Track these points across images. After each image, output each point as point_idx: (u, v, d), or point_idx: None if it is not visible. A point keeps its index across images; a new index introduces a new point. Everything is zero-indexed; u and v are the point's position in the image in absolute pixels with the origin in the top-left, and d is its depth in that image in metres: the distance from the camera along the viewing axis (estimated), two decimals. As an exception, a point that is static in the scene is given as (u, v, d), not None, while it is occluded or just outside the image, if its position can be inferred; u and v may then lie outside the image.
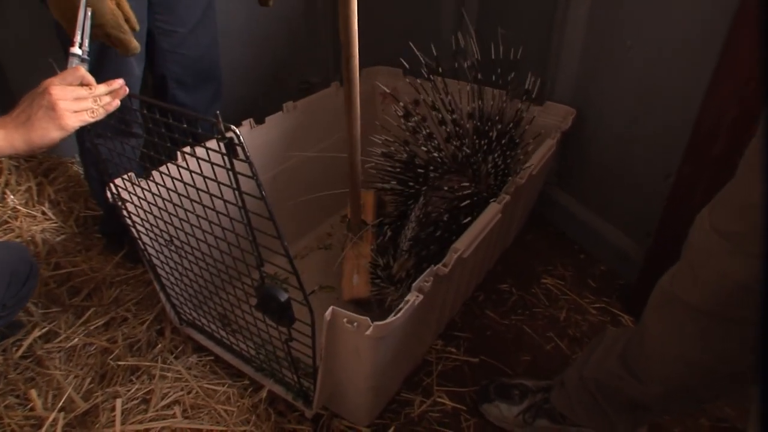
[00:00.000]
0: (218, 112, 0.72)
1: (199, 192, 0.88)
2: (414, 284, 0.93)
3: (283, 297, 0.87)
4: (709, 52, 1.15)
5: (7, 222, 1.63)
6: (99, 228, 1.67)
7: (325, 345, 0.91)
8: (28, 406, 1.14)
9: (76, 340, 1.29)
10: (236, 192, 0.79)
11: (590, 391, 1.02)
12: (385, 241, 1.41)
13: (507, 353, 1.34)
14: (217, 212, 0.90)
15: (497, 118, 1.46)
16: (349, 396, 1.08)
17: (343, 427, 1.14)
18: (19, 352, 1.24)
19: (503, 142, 1.44)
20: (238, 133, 0.73)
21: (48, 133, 0.79)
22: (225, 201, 0.86)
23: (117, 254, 1.58)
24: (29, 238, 1.59)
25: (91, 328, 1.32)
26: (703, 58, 1.17)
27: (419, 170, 1.42)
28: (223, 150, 0.75)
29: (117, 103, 0.86)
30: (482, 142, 1.41)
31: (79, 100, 0.82)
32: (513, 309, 1.47)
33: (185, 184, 0.90)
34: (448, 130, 1.45)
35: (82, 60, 0.89)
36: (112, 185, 1.10)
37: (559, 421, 1.11)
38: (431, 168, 1.41)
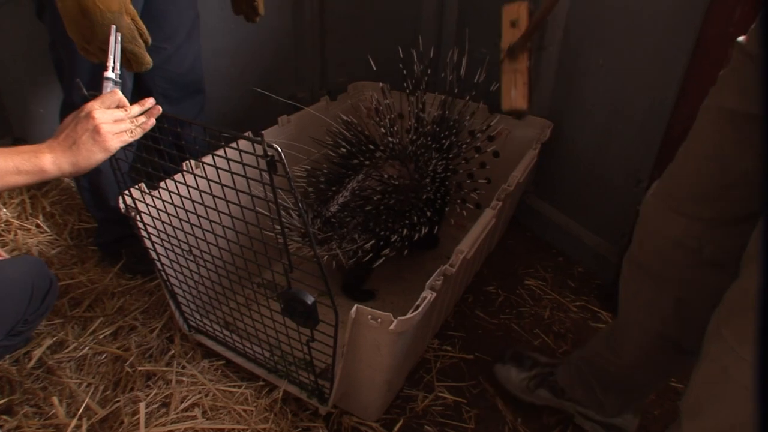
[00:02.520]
0: (263, 132, 0.79)
1: (229, 203, 0.95)
2: (427, 283, 1.02)
3: (310, 300, 0.94)
4: (676, 68, 1.29)
5: (0, 235, 1.64)
6: (94, 240, 1.69)
7: (348, 342, 0.99)
8: (45, 415, 1.17)
9: (86, 349, 1.32)
10: (273, 205, 0.86)
11: (584, 371, 1.15)
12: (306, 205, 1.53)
13: (498, 349, 1.44)
14: (246, 222, 0.96)
15: (454, 131, 1.60)
16: (361, 392, 1.15)
17: (353, 423, 1.21)
18: (32, 363, 1.26)
19: (450, 155, 1.59)
20: (279, 150, 0.80)
21: (93, 155, 0.84)
22: (256, 212, 0.93)
23: (114, 266, 1.61)
24: (25, 251, 1.60)
25: (100, 337, 1.35)
26: (670, 74, 1.31)
27: (370, 146, 1.55)
28: (264, 167, 0.82)
29: (152, 122, 0.91)
30: (434, 144, 1.55)
31: (118, 122, 0.87)
32: (501, 309, 1.58)
33: (214, 196, 0.96)
34: (410, 123, 1.59)
35: (115, 83, 0.95)
36: (125, 196, 1.13)
37: (558, 395, 1.23)
38: (381, 148, 1.54)
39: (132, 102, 0.92)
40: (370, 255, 1.43)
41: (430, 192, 1.55)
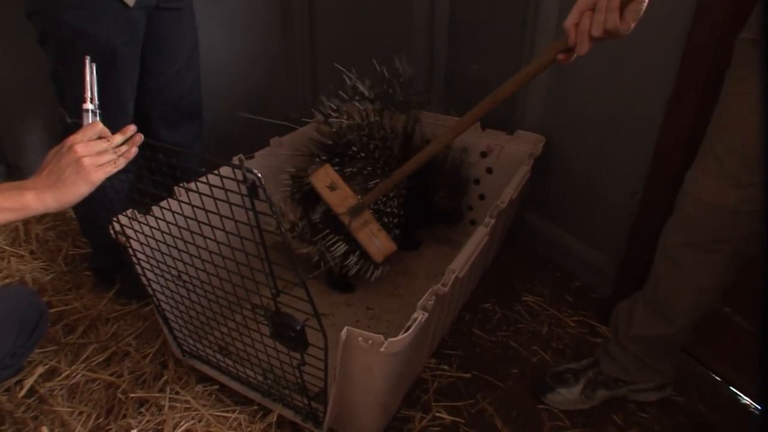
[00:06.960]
0: (242, 156, 0.79)
1: (214, 229, 0.94)
2: (419, 303, 1.01)
3: (299, 325, 0.94)
4: (665, 80, 1.29)
5: (-6, 263, 1.64)
6: (88, 265, 1.69)
7: (339, 364, 0.98)
8: (37, 445, 1.16)
9: (79, 376, 1.31)
10: (256, 230, 0.86)
11: (633, 351, 1.24)
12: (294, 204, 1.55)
13: (497, 367, 1.42)
14: (232, 248, 0.96)
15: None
16: (356, 415, 1.14)
17: (348, 447, 1.20)
18: (23, 391, 1.25)
19: None
20: (260, 176, 0.79)
21: (78, 189, 0.84)
22: (241, 237, 0.92)
23: (108, 291, 1.60)
24: (18, 278, 1.60)
25: (93, 364, 1.35)
26: (660, 86, 1.31)
27: (375, 140, 1.57)
28: (245, 191, 0.82)
29: (135, 150, 0.91)
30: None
31: (101, 155, 0.87)
32: (498, 326, 1.56)
33: (199, 222, 0.96)
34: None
35: (94, 113, 0.95)
36: (115, 222, 1.13)
37: (614, 387, 1.30)
38: (361, 155, 1.55)
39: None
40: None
41: (405, 196, 1.59)
